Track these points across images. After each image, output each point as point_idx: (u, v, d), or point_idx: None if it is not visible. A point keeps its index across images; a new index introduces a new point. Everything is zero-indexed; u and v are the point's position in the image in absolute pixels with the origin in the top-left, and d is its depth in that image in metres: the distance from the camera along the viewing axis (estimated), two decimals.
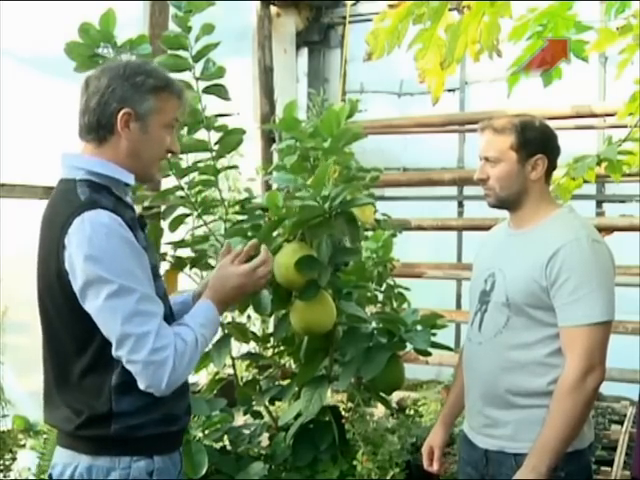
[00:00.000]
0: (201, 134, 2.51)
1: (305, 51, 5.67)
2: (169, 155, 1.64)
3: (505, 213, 1.99)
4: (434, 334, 2.34)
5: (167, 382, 1.44)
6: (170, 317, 1.62)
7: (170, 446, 1.60)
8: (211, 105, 2.50)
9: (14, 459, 2.78)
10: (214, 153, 2.53)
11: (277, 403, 2.81)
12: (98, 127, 1.53)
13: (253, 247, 1.74)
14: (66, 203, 1.49)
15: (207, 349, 2.35)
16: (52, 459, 1.61)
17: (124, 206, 1.54)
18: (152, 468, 1.53)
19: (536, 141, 1.88)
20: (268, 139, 4.83)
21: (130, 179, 1.56)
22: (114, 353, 1.45)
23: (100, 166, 1.53)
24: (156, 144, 1.57)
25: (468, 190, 5.02)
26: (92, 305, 1.44)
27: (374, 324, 2.43)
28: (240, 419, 2.86)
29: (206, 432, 2.38)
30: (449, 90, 4.95)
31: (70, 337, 1.51)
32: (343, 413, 2.85)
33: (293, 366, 2.83)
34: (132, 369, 1.44)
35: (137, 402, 1.49)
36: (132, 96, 1.51)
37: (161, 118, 1.55)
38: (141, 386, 1.45)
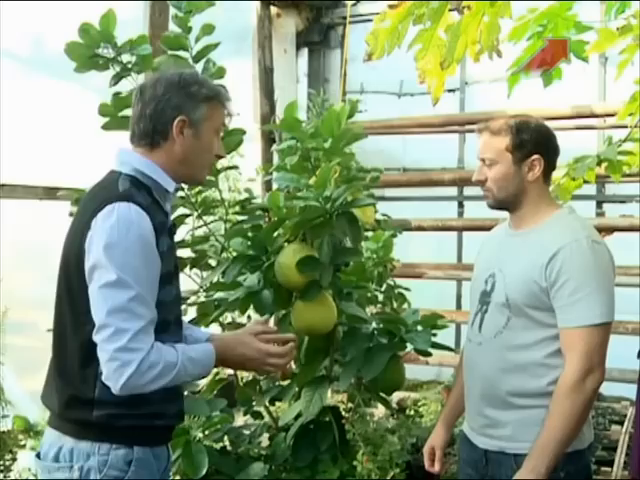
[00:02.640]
0: None
1: (305, 51, 5.67)
2: (216, 159, 1.72)
3: (505, 213, 1.99)
4: (434, 334, 2.34)
5: (124, 383, 1.45)
6: (176, 324, 1.65)
7: (153, 439, 1.61)
8: None
9: (14, 459, 2.79)
10: None
11: (277, 403, 2.81)
12: (154, 133, 1.60)
13: (287, 341, 1.72)
14: (105, 191, 1.57)
15: None
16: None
17: (158, 209, 1.58)
18: (131, 458, 1.55)
19: (532, 142, 1.87)
20: (268, 139, 4.83)
21: (170, 186, 1.62)
22: (92, 336, 1.48)
23: (147, 166, 1.59)
24: (207, 149, 1.65)
25: (468, 190, 5.03)
26: (91, 288, 1.49)
27: (374, 324, 2.43)
28: (240, 419, 2.86)
29: (206, 432, 2.37)
30: (449, 90, 4.95)
31: (71, 312, 1.55)
32: (343, 413, 2.85)
33: (293, 366, 2.83)
34: (100, 357, 1.47)
35: (119, 395, 1.50)
36: (187, 104, 1.60)
37: (212, 125, 1.64)
38: (103, 376, 1.47)
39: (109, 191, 1.55)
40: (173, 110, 1.59)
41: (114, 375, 1.45)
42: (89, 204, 1.56)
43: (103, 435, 1.53)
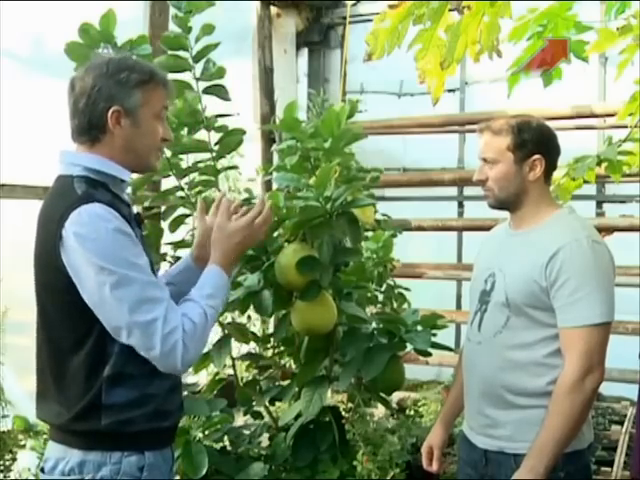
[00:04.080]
0: (201, 134, 2.51)
1: (305, 51, 5.67)
2: (164, 143, 1.66)
3: (505, 213, 1.99)
4: (434, 334, 2.34)
5: (182, 363, 1.48)
6: None
7: (162, 442, 1.60)
8: (211, 105, 2.50)
9: (14, 459, 2.78)
10: (214, 153, 2.52)
11: (277, 403, 2.81)
12: (90, 128, 1.55)
13: (260, 204, 1.78)
14: (63, 198, 1.51)
15: (207, 349, 2.36)
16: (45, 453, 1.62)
17: (120, 202, 1.56)
18: (143, 463, 1.53)
19: (533, 141, 1.88)
20: (268, 139, 4.83)
21: (126, 175, 1.59)
22: (125, 341, 1.47)
23: (97, 163, 1.55)
24: (149, 135, 1.59)
25: (468, 190, 5.03)
26: (96, 297, 1.46)
27: (374, 324, 2.43)
28: (240, 419, 2.86)
29: (206, 432, 2.37)
30: (449, 90, 4.96)
31: (68, 331, 1.51)
32: (343, 413, 2.85)
33: (293, 366, 2.82)
34: (146, 356, 1.48)
35: (128, 394, 1.50)
36: (119, 93, 1.53)
37: (150, 110, 1.57)
38: (160, 369, 1.50)
39: (68, 197, 1.49)
40: (106, 102, 1.52)
41: (169, 365, 1.48)
42: (50, 216, 1.50)
43: (113, 444, 1.51)
